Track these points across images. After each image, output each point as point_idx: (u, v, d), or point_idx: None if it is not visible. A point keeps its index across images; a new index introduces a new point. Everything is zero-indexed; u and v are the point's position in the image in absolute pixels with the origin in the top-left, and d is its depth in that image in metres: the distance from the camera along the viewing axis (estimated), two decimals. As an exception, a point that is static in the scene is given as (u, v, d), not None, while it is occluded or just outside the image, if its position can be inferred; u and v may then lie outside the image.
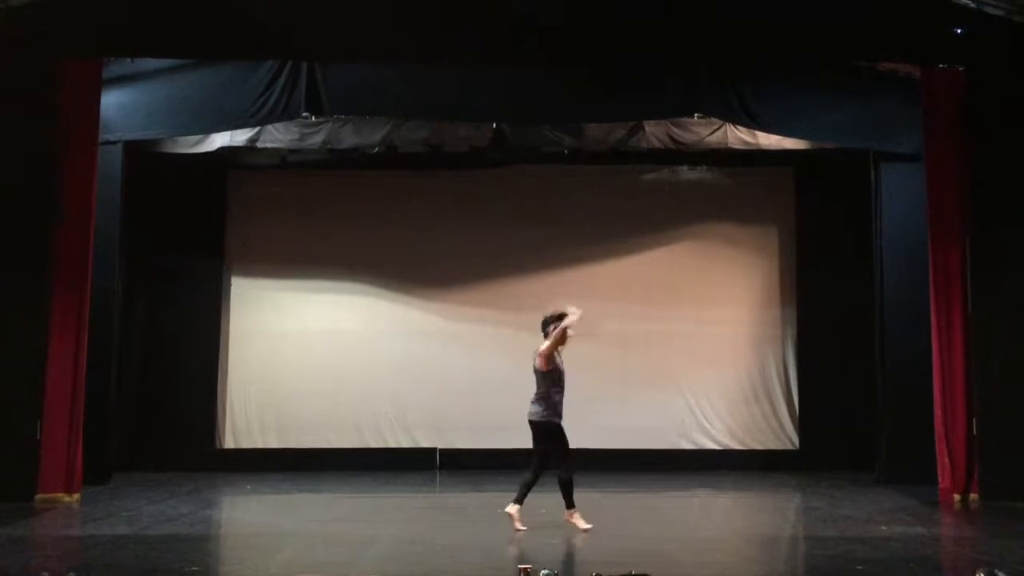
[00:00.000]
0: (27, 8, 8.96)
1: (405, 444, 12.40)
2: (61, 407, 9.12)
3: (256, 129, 11.02)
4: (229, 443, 12.35)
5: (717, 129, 11.22)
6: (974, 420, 9.26)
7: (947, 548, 7.38)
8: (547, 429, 7.57)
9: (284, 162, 12.35)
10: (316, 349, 12.49)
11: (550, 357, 7.60)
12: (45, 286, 9.14)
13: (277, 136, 11.24)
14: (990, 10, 9.05)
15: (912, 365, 10.21)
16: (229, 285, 12.61)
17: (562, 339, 7.59)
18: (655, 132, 11.26)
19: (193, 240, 12.44)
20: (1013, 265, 9.28)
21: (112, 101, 10.04)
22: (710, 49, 9.52)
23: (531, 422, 7.68)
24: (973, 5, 9.06)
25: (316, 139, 11.28)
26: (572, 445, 12.23)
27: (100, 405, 10.02)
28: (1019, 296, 9.27)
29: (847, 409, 11.79)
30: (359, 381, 12.39)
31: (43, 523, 8.09)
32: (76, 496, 9.11)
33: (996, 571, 5.53)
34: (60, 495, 9.02)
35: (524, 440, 12.30)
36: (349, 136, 11.28)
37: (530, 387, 12.40)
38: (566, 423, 12.84)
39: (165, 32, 9.25)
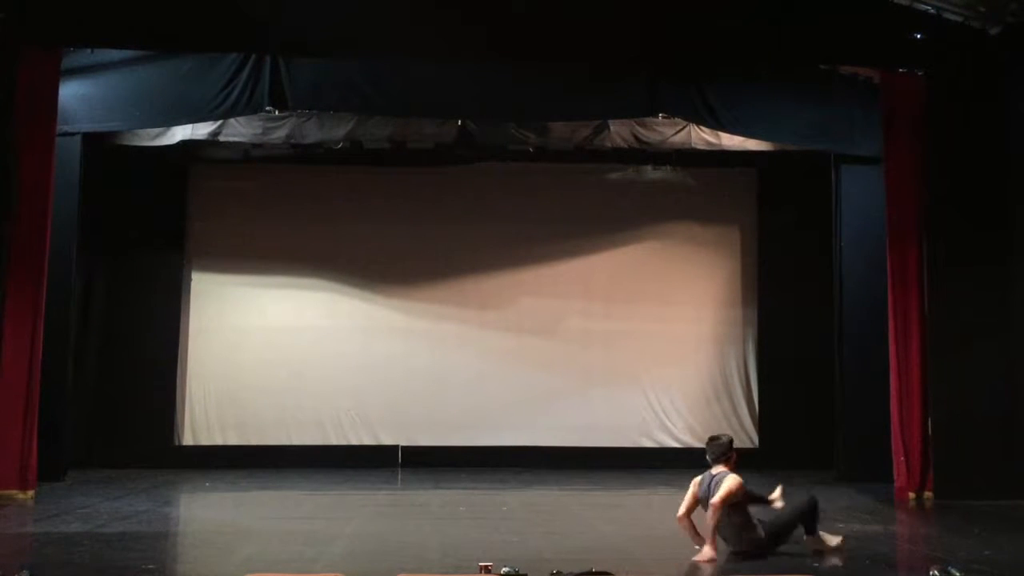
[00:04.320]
0: (-16, -4, 8.81)
1: (367, 441, 12.36)
2: (16, 403, 8.96)
3: (218, 123, 10.92)
4: (188, 439, 12.22)
5: (681, 130, 11.31)
6: (929, 420, 9.42)
7: (902, 545, 7.49)
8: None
9: (247, 156, 12.24)
10: (277, 345, 12.40)
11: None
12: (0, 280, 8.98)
13: (240, 130, 11.14)
14: (949, 16, 9.21)
15: (870, 365, 10.35)
16: (189, 280, 12.48)
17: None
18: (620, 132, 11.32)
19: (153, 234, 12.30)
20: (969, 267, 9.44)
21: (71, 92, 9.88)
22: (674, 51, 9.59)
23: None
24: (932, 11, 9.20)
25: (279, 133, 11.20)
26: (533, 443, 12.35)
27: (56, 401, 9.86)
28: (975, 298, 9.45)
29: (806, 408, 11.92)
30: (321, 378, 12.33)
31: (-4, 520, 7.95)
32: (30, 493, 8.97)
33: (950, 568, 5.62)
34: (14, 492, 8.88)
35: (485, 438, 12.42)
36: (313, 131, 11.21)
37: (492, 383, 12.51)
38: (528, 421, 12.85)
39: (126, 22, 9.12)
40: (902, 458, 9.46)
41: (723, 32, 9.37)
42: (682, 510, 6.60)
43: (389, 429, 12.39)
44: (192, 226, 12.54)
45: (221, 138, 11.18)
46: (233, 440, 12.24)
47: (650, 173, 12.93)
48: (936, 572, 5.56)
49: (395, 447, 12.36)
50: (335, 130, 11.22)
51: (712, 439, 6.86)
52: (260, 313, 12.48)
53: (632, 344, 12.67)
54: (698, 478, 6.70)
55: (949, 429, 9.26)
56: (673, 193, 12.91)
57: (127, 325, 12.13)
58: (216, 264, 12.54)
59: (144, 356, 12.10)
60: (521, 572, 5.51)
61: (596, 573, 5.57)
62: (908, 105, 9.70)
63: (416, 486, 10.67)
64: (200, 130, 11.02)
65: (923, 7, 9.17)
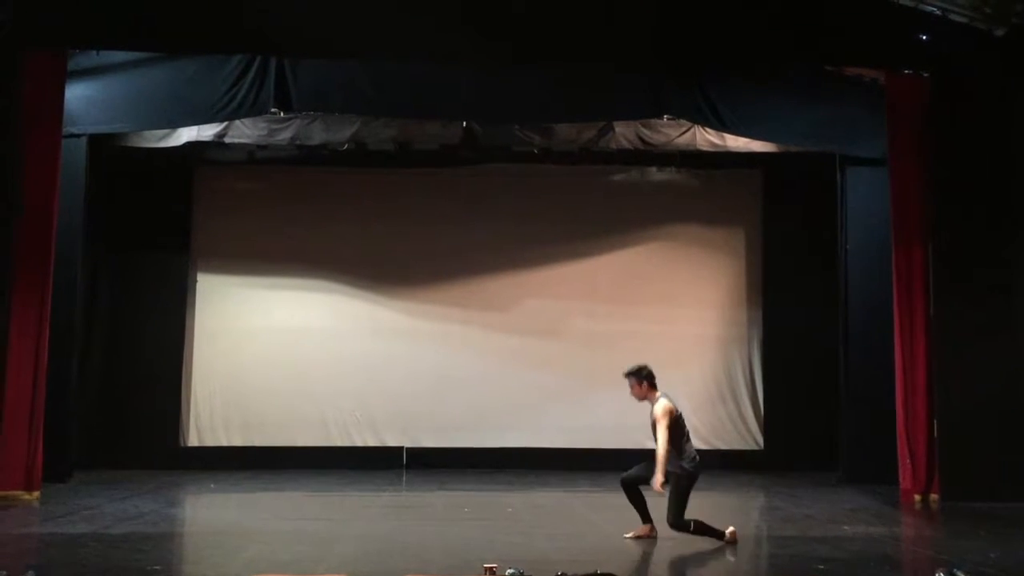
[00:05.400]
0: (-10, -2, 8.84)
1: (371, 443, 12.36)
2: (21, 403, 8.98)
3: (224, 124, 10.94)
4: (193, 441, 12.25)
5: (686, 131, 11.30)
6: (935, 422, 9.40)
7: (907, 548, 7.47)
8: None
9: (252, 158, 12.27)
10: (282, 347, 12.41)
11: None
12: (5, 281, 8.99)
13: (245, 131, 11.16)
14: (954, 17, 9.20)
15: (875, 367, 10.34)
16: (195, 281, 12.50)
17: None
18: (625, 133, 11.33)
19: (158, 235, 12.33)
20: (975, 268, 9.43)
21: (77, 94, 9.91)
22: (679, 52, 9.59)
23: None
24: (938, 12, 9.19)
25: (285, 135, 11.22)
26: (537, 444, 12.35)
27: (61, 402, 9.88)
28: (980, 298, 9.43)
29: (811, 410, 11.90)
30: (325, 379, 12.33)
31: (2, 521, 7.94)
32: (36, 494, 8.98)
33: (955, 570, 5.61)
34: (19, 493, 8.89)
35: (490, 439, 12.41)
36: (318, 132, 11.22)
37: (496, 385, 12.49)
38: (533, 422, 12.79)
39: (132, 24, 9.13)
40: (907, 460, 9.44)
41: (728, 33, 9.37)
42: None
43: (393, 430, 12.40)
44: (197, 227, 12.56)
45: (226, 140, 11.21)
46: (238, 441, 12.26)
47: (655, 174, 12.94)
48: (942, 574, 5.56)
49: (400, 448, 12.36)
50: (340, 132, 11.24)
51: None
52: (265, 314, 12.50)
53: (637, 345, 12.57)
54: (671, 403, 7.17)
55: (955, 430, 9.24)
56: (678, 194, 12.90)
57: (132, 326, 12.16)
58: (221, 265, 12.56)
59: (149, 357, 12.13)
60: (526, 573, 5.52)
61: (600, 575, 5.57)
62: (913, 106, 9.69)
63: (420, 487, 10.67)
64: (205, 132, 11.04)
65: (928, 8, 9.17)
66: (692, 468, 7.09)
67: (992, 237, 9.47)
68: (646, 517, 7.22)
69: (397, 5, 9.15)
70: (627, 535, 7.21)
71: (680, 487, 7.02)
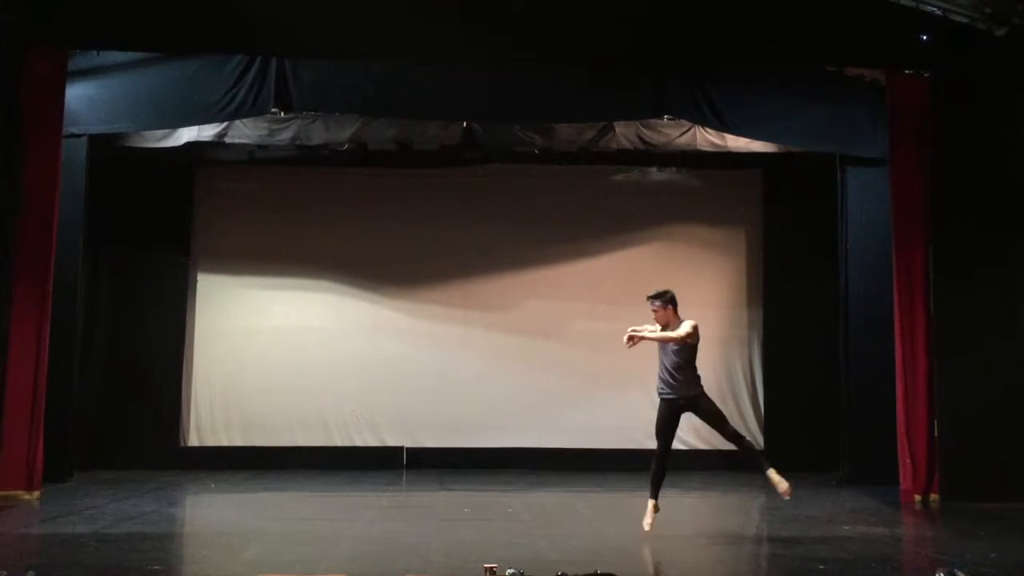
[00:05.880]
0: (-9, -3, 8.84)
1: (372, 443, 12.36)
2: (22, 403, 8.98)
3: (224, 124, 10.93)
4: (194, 440, 12.24)
5: (686, 131, 11.29)
6: (935, 422, 9.40)
7: (908, 548, 7.47)
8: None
9: (252, 158, 12.26)
10: (283, 347, 12.41)
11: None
12: (5, 281, 9.00)
13: (245, 132, 11.15)
14: (955, 17, 9.19)
15: (875, 367, 10.33)
16: (195, 281, 12.49)
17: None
18: (625, 133, 11.32)
19: (159, 235, 12.32)
20: (975, 268, 9.43)
21: (78, 94, 9.90)
22: (679, 52, 9.59)
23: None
24: (938, 12, 9.19)
25: (285, 135, 11.21)
26: (538, 444, 12.35)
27: (62, 401, 9.88)
28: (981, 299, 9.43)
29: (811, 410, 11.90)
30: (326, 379, 12.33)
31: (2, 521, 7.95)
32: (36, 494, 8.98)
33: (956, 571, 5.61)
34: (20, 492, 8.90)
35: (490, 439, 12.41)
36: (318, 132, 11.22)
37: (497, 385, 12.48)
38: (533, 422, 12.80)
39: (132, 24, 9.14)
40: (908, 460, 9.44)
41: (729, 34, 9.37)
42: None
43: (394, 430, 12.39)
44: (198, 227, 12.55)
45: (227, 140, 11.19)
46: (238, 441, 12.25)
47: (655, 175, 12.93)
48: (942, 574, 5.56)
49: (400, 448, 12.36)
50: (340, 132, 11.24)
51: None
52: (266, 314, 12.49)
53: (637, 346, 12.61)
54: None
55: (955, 430, 9.24)
56: (678, 194, 12.89)
57: (133, 326, 12.15)
58: (222, 266, 12.55)
59: (150, 357, 12.12)
60: (526, 574, 5.52)
61: (601, 575, 5.57)
62: (913, 106, 9.69)
63: (421, 487, 10.67)
64: (206, 132, 11.03)
65: (929, 8, 9.15)
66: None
67: (992, 237, 9.47)
68: (655, 493, 7.19)
69: (398, 5, 9.15)
70: (646, 524, 7.21)
71: (709, 402, 7.56)
